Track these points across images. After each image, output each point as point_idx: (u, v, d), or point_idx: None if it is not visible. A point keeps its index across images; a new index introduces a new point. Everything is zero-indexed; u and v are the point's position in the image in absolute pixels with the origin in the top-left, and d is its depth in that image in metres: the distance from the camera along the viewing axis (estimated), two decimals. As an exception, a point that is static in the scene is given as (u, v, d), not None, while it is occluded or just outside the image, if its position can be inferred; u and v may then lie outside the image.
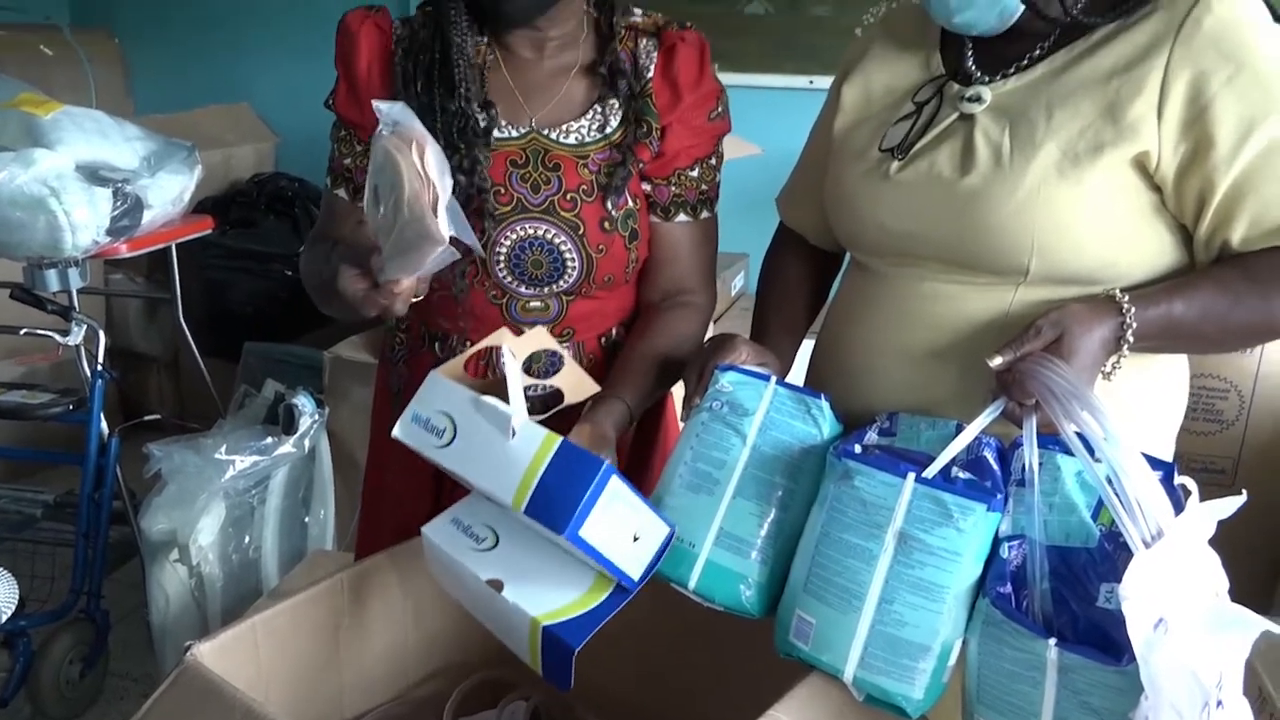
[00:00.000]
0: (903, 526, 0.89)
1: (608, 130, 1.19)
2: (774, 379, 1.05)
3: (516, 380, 0.95)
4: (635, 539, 0.90)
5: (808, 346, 1.29)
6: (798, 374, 1.26)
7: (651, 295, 1.27)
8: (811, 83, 2.98)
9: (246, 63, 3.60)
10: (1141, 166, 0.99)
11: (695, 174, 1.23)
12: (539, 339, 1.11)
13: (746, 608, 0.98)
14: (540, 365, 1.16)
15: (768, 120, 2.95)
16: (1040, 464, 0.91)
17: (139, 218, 2.15)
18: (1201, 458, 2.43)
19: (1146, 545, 0.81)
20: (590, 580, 0.92)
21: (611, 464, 0.88)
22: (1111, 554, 0.86)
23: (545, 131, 1.17)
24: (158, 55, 3.75)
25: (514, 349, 1.04)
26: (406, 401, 0.98)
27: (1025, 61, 1.06)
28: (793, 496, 1.00)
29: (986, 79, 1.07)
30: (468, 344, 1.20)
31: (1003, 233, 1.01)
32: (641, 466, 1.33)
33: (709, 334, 2.23)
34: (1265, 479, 2.44)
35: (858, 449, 0.96)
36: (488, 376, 1.12)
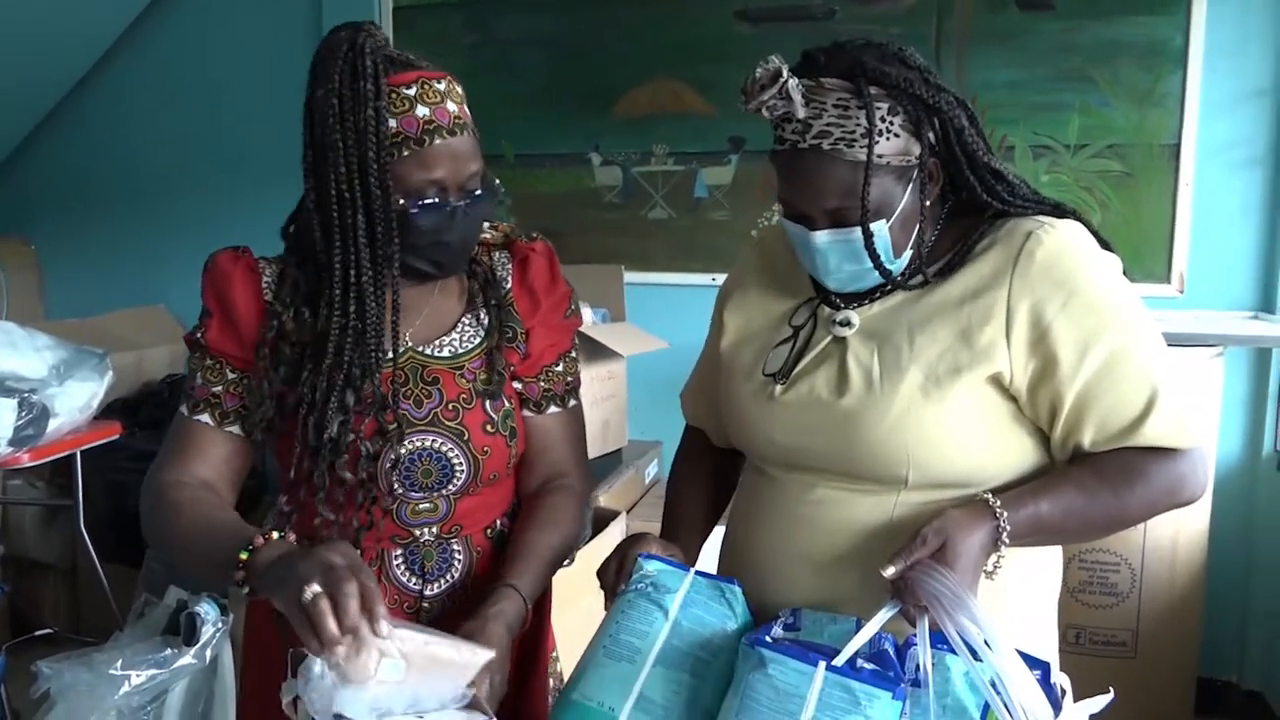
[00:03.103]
0: (815, 713, 0.93)
1: (479, 340, 1.27)
2: (692, 570, 1.14)
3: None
4: None
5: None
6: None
7: (530, 484, 1.33)
8: (714, 279, 3.15)
9: (163, 268, 3.67)
10: (997, 383, 1.09)
11: (560, 368, 1.33)
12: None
13: None
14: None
15: (674, 315, 3.10)
16: (932, 664, 0.97)
17: (44, 426, 2.14)
18: (1103, 630, 2.50)
19: None
20: None
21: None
22: None
23: (420, 348, 1.24)
24: (74, 262, 3.81)
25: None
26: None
27: (888, 286, 1.16)
28: (709, 668, 1.07)
29: (855, 305, 1.17)
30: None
31: (880, 448, 1.10)
32: (524, 676, 1.33)
33: (625, 521, 2.25)
34: (1163, 649, 2.51)
35: (769, 639, 1.01)
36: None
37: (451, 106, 1.16)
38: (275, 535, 1.05)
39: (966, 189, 1.14)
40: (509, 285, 1.30)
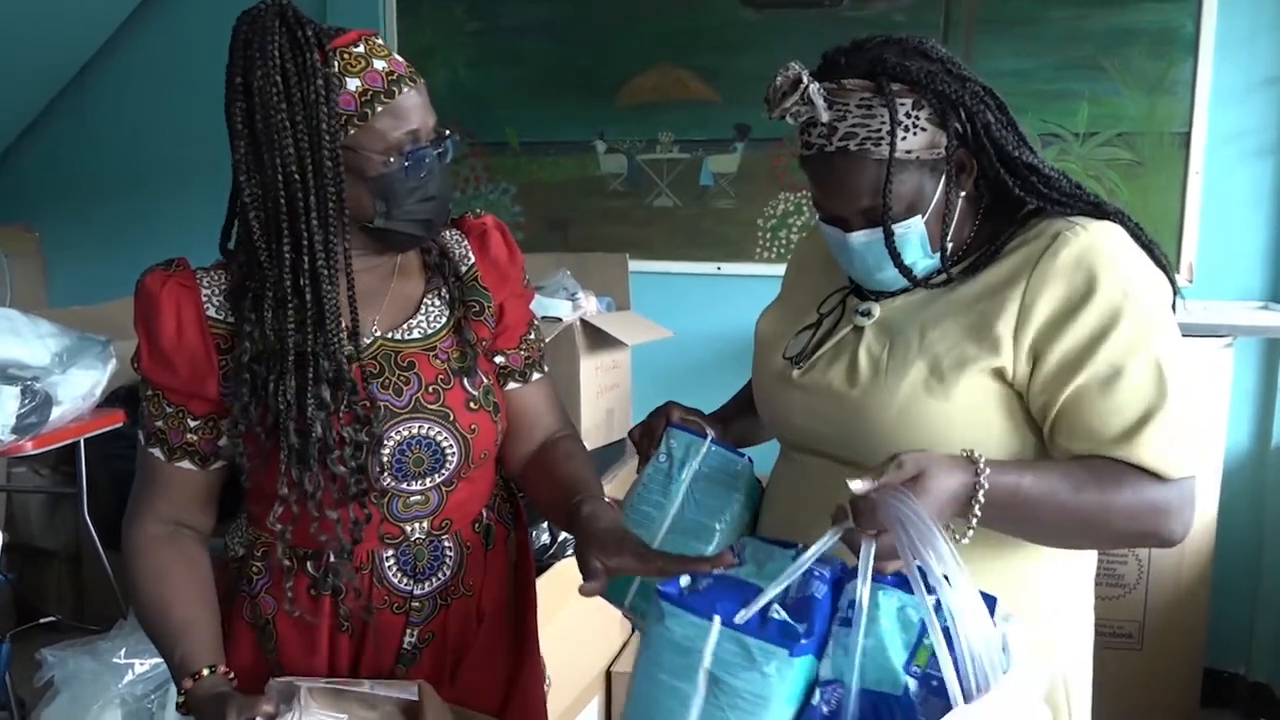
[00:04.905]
0: (711, 668, 0.90)
1: (445, 318, 1.24)
2: (710, 439, 1.25)
3: None
4: None
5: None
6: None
7: (531, 448, 1.33)
8: (719, 268, 3.14)
9: (167, 255, 3.64)
10: (1001, 376, 1.07)
11: (533, 335, 1.34)
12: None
13: None
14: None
15: (679, 304, 3.09)
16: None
17: (47, 414, 2.13)
18: (1109, 622, 2.49)
19: (968, 698, 0.81)
20: None
21: None
22: (922, 701, 0.85)
23: (389, 335, 1.20)
24: (78, 249, 3.80)
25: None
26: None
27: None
28: (714, 534, 1.20)
29: (881, 297, 1.16)
30: (348, 556, 1.17)
31: (884, 439, 1.09)
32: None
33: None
34: (1170, 640, 2.50)
35: (684, 582, 0.98)
36: None
37: (399, 58, 1.14)
38: (206, 671, 1.10)
39: (998, 182, 1.11)
40: (471, 261, 1.28)
